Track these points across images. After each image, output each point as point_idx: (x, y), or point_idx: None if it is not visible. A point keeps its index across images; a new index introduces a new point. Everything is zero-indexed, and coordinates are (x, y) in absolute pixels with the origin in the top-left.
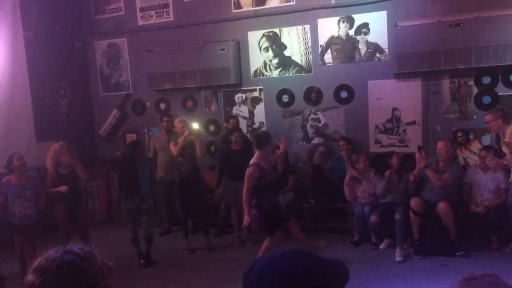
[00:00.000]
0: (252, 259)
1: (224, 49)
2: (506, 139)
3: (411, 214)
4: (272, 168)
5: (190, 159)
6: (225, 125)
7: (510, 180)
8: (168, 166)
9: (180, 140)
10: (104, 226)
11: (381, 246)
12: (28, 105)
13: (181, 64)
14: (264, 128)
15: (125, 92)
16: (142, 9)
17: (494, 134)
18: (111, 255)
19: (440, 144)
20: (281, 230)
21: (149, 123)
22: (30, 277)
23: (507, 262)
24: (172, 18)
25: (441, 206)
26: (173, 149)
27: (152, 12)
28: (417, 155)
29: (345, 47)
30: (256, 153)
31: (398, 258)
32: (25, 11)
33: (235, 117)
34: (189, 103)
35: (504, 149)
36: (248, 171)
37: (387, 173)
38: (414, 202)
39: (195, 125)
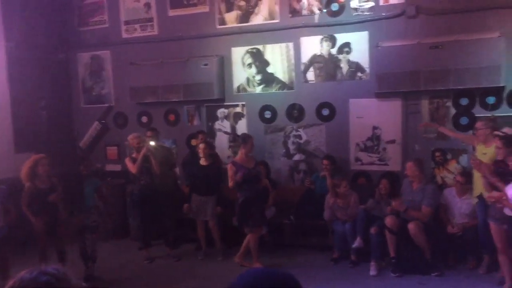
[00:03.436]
0: (215, 274)
1: (207, 64)
2: (486, 158)
3: (386, 232)
4: (253, 165)
5: (148, 173)
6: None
7: (475, 201)
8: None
9: (139, 158)
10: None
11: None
12: (8, 115)
13: (164, 78)
14: None
15: (107, 105)
16: (127, 22)
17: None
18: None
19: (407, 165)
20: (255, 227)
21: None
22: None
23: (481, 282)
24: (156, 32)
25: (411, 226)
26: (130, 165)
27: (137, 26)
28: (394, 203)
29: (327, 66)
30: (240, 151)
31: (372, 272)
32: (8, 21)
33: (204, 132)
34: (172, 117)
35: (479, 156)
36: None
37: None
38: (389, 221)
39: (151, 142)
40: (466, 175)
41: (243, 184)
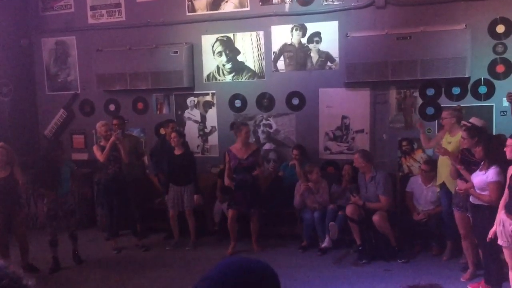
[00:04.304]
0: (183, 263)
1: (177, 52)
2: (451, 147)
3: (348, 221)
4: (250, 153)
5: (116, 162)
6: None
7: (438, 190)
8: None
9: (107, 146)
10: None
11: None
12: None
13: (132, 66)
14: (216, 133)
15: (73, 92)
16: (93, 8)
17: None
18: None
19: (354, 158)
20: (233, 209)
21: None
22: None
23: (445, 268)
24: (124, 18)
25: (375, 218)
26: (98, 153)
27: (103, 11)
28: (353, 199)
29: (297, 55)
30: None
31: (325, 244)
32: None
33: (174, 121)
34: (140, 105)
35: (444, 144)
36: None
37: (344, 184)
38: (348, 210)
39: (119, 131)
40: (430, 163)
41: (234, 174)
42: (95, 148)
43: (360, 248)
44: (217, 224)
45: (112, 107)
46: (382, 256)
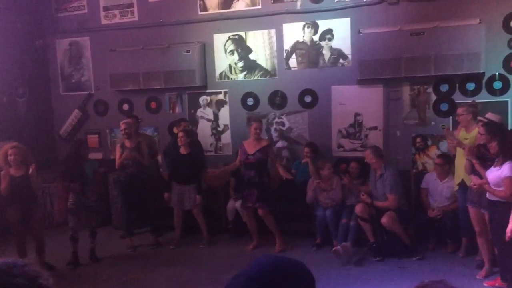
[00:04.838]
0: (198, 261)
1: (189, 51)
2: (467, 143)
3: (359, 220)
4: (258, 149)
5: (134, 163)
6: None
7: (456, 188)
8: None
9: (122, 157)
10: (64, 229)
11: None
12: None
13: (145, 65)
14: (228, 131)
15: (87, 92)
16: (106, 8)
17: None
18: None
19: (365, 154)
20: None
21: (111, 124)
22: None
23: (461, 265)
24: (136, 18)
25: (384, 220)
26: (117, 156)
27: (116, 12)
28: (362, 197)
29: (309, 52)
30: None
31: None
32: None
33: (186, 120)
34: (153, 105)
35: (461, 135)
36: None
37: (345, 179)
38: (358, 209)
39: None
40: (444, 157)
41: (243, 170)
42: (117, 148)
43: (374, 245)
44: (230, 222)
45: (125, 106)
46: (396, 254)
